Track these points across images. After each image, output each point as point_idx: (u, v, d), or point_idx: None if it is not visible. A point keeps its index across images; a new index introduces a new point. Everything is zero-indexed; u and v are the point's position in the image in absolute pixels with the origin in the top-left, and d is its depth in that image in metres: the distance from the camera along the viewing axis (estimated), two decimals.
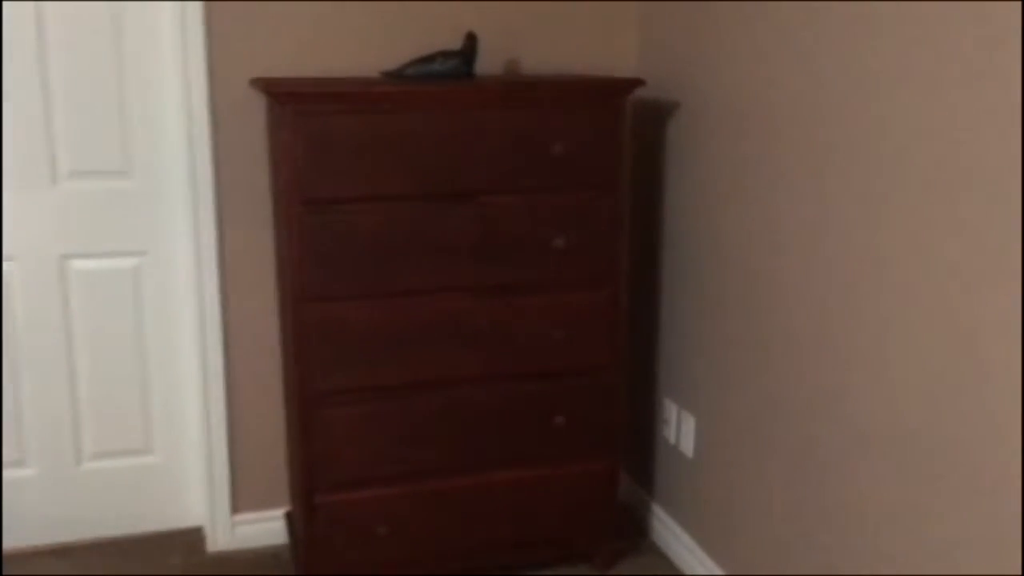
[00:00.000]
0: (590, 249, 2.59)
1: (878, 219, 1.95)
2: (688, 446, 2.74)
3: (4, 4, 2.53)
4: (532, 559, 2.76)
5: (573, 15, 2.93)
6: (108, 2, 2.61)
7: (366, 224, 2.40)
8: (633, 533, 3.01)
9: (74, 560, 2.80)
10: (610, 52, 2.97)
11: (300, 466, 2.48)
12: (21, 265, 2.71)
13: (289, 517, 2.87)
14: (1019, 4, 1.24)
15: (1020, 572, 1.44)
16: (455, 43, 2.81)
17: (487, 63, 2.85)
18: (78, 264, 2.75)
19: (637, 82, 2.54)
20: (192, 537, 2.94)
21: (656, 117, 2.85)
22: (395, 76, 2.59)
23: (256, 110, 2.68)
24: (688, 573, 2.77)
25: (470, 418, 2.57)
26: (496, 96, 2.43)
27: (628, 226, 3.03)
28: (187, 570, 2.77)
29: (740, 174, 2.44)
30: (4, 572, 2.72)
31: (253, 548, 2.90)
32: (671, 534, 2.86)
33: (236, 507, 2.88)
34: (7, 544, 2.83)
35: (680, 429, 2.78)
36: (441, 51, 2.61)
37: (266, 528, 2.90)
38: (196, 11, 2.56)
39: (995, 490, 1.69)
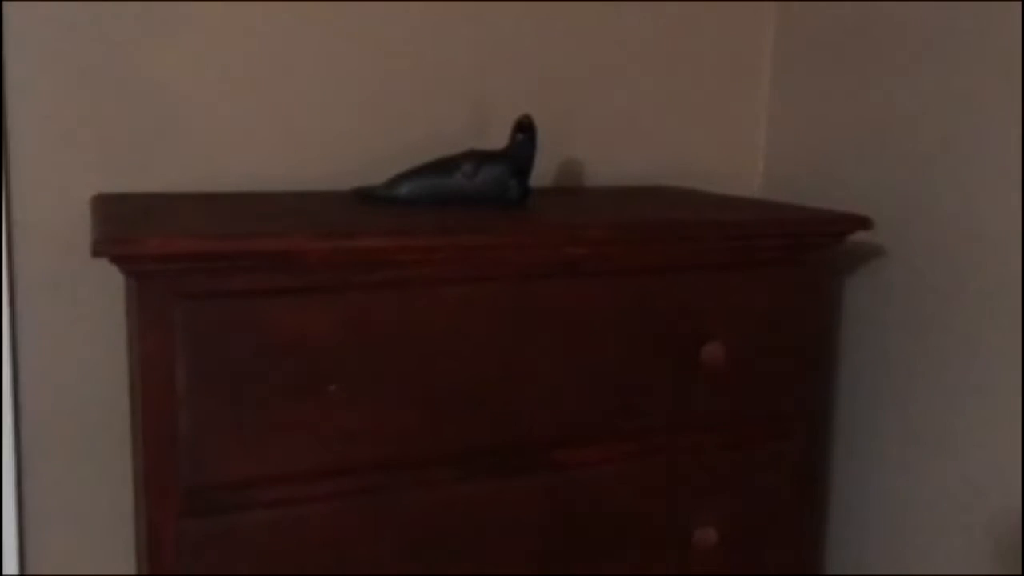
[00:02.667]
0: (761, 542, 1.32)
1: None
2: None
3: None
4: None
5: (667, 98, 1.70)
6: None
7: (324, 531, 1.11)
8: None
9: None
10: (717, 157, 1.75)
11: None
12: None
13: None
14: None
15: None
16: (489, 134, 1.56)
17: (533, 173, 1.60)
18: None
19: (861, 222, 1.29)
20: None
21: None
22: (379, 198, 1.33)
23: (103, 276, 1.38)
24: None
25: None
26: (591, 251, 1.17)
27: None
28: None
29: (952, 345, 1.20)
30: None
31: None
32: None
33: None
34: None
35: None
36: (469, 151, 1.36)
37: None
38: None
39: None
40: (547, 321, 1.16)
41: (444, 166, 1.34)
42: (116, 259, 0.98)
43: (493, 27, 1.56)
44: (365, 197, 1.34)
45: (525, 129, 1.34)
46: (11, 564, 1.37)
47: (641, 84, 1.67)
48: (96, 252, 0.96)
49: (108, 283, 1.34)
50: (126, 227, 1.04)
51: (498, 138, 1.54)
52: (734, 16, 1.72)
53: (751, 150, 1.77)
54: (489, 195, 1.34)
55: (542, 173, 1.61)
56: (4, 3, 1.28)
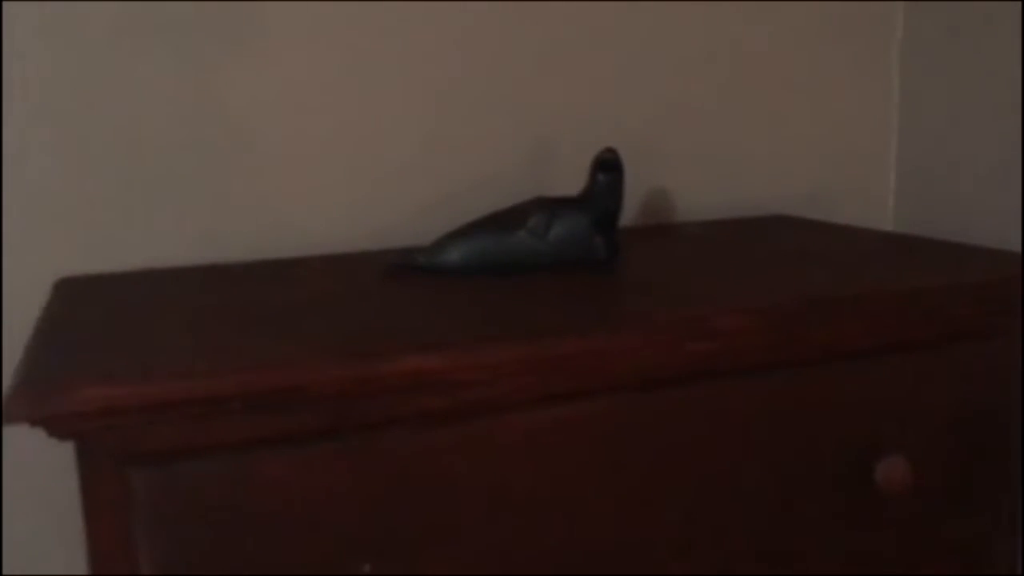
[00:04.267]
0: None
1: None
2: None
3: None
4: None
5: (771, 112, 1.35)
6: None
7: None
8: None
9: None
10: (837, 178, 1.40)
11: None
12: None
13: None
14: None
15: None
16: (552, 176, 1.23)
17: None
18: None
19: None
20: None
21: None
22: (421, 269, 1.00)
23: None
24: None
25: None
26: (722, 345, 0.83)
27: None
28: None
29: None
30: None
31: None
32: None
33: None
34: None
35: None
36: (537, 200, 1.02)
37: None
38: None
39: None
40: (667, 444, 0.82)
41: (505, 221, 1.01)
42: (39, 423, 0.65)
43: (558, 39, 1.22)
44: (403, 268, 1.01)
45: (610, 167, 1.01)
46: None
47: (735, 100, 1.33)
48: (8, 417, 0.63)
49: None
50: (62, 358, 0.72)
51: (565, 180, 1.21)
52: (857, 14, 1.36)
53: (878, 166, 1.42)
54: (567, 257, 1.00)
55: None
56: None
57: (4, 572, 1.11)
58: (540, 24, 1.21)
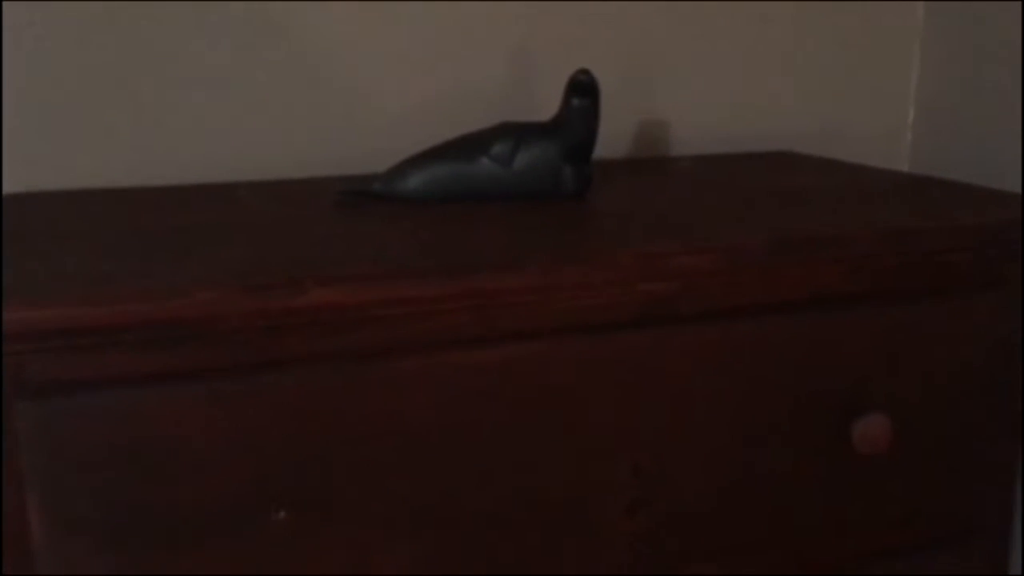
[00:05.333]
0: None
1: None
2: None
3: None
4: None
5: (774, 40, 1.25)
6: None
7: None
8: None
9: None
10: (848, 112, 1.30)
11: None
12: None
13: None
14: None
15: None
16: (532, 98, 1.14)
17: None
18: None
19: None
20: None
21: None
22: (376, 197, 0.93)
23: None
24: None
25: None
26: (683, 285, 0.76)
27: None
28: None
29: None
30: None
31: None
32: None
33: None
34: None
35: None
36: (502, 126, 0.95)
37: None
38: None
39: None
40: (611, 398, 0.76)
41: (468, 147, 0.94)
42: None
43: None
44: (356, 196, 0.94)
45: (584, 91, 0.93)
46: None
47: (747, 28, 1.23)
48: None
49: None
50: None
51: (545, 104, 1.13)
52: None
53: (897, 104, 1.31)
54: (532, 188, 0.93)
55: (605, 138, 1.19)
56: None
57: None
58: None
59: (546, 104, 1.12)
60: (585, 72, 0.93)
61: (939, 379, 0.84)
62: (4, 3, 0.97)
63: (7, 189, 0.99)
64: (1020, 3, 1.13)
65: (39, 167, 1.01)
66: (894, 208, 0.89)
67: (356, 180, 0.96)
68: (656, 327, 0.76)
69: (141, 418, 0.66)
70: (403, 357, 0.70)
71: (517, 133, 0.93)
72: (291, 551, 0.71)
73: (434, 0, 1.10)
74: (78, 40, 1.00)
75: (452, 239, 0.78)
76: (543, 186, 0.93)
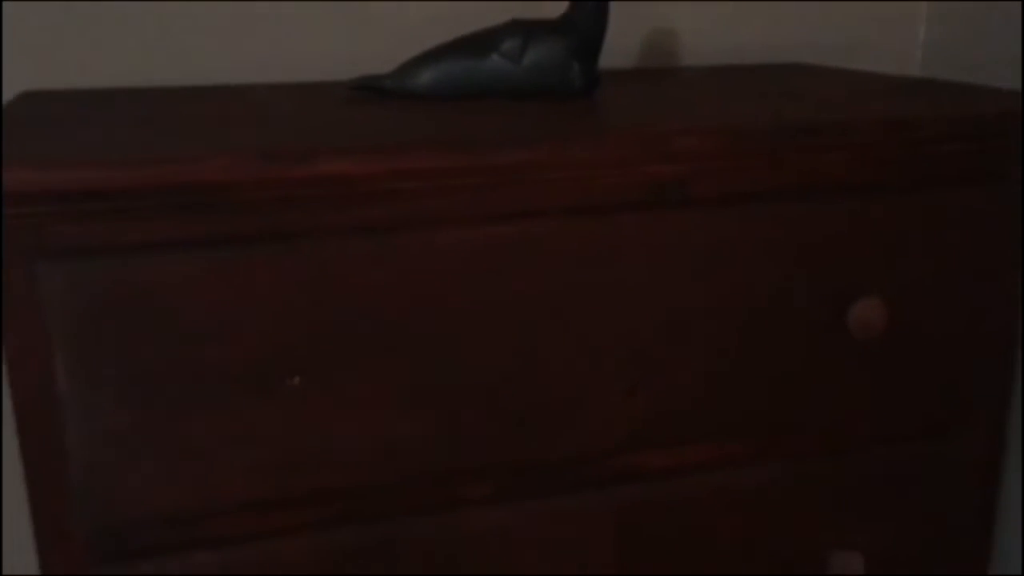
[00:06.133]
0: (923, 568, 0.95)
1: None
2: None
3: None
4: None
5: None
6: None
7: (293, 570, 0.77)
8: None
9: None
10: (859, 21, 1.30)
11: None
12: None
13: None
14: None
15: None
16: (542, 2, 1.15)
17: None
18: None
19: None
20: None
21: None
22: (387, 92, 0.95)
23: None
24: None
25: None
26: (689, 169, 0.77)
27: None
28: None
29: None
30: None
31: None
32: None
33: None
34: None
35: None
36: (513, 22, 0.96)
37: None
38: None
39: None
40: (619, 276, 0.78)
41: (478, 44, 0.95)
42: None
43: None
44: (367, 91, 0.96)
45: None
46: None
47: None
48: None
49: None
50: None
51: (554, 3, 1.13)
52: None
53: (908, 17, 1.32)
54: (541, 84, 0.94)
55: (616, 49, 1.20)
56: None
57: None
58: None
59: (555, 3, 1.13)
60: None
61: (936, 267, 0.86)
62: None
63: (17, 88, 1.01)
64: None
65: (53, 65, 1.02)
66: (898, 103, 0.90)
67: (362, 79, 0.97)
68: (662, 210, 0.78)
69: (159, 283, 0.69)
70: (412, 232, 0.73)
71: (527, 30, 0.94)
72: (302, 415, 0.74)
73: None
74: None
75: (462, 123, 0.80)
76: (552, 82, 0.94)
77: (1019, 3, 1.15)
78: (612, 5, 1.19)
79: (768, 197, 0.80)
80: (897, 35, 1.31)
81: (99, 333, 0.68)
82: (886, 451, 0.90)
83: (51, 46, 1.02)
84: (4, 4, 1.00)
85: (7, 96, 1.01)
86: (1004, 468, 1.07)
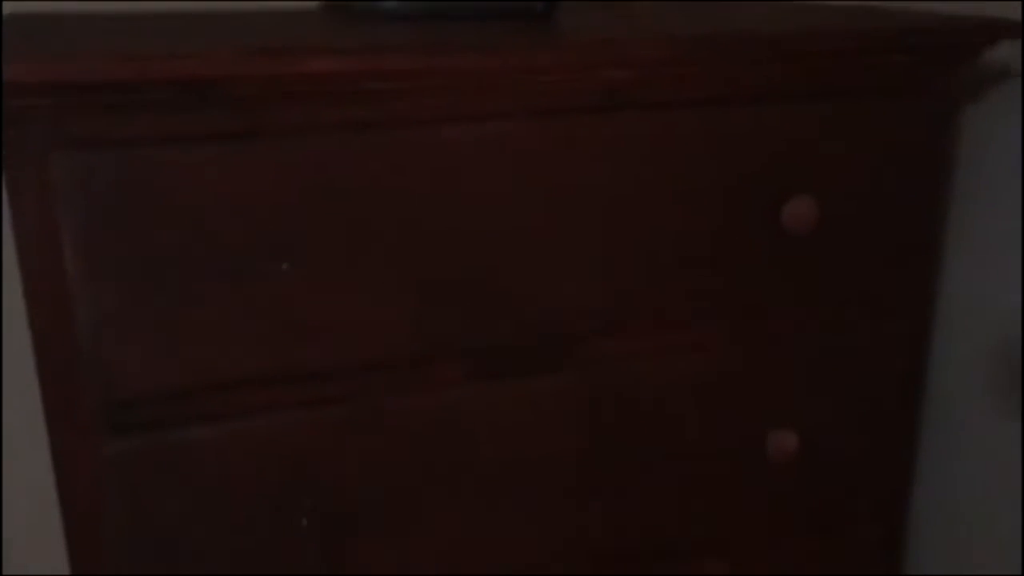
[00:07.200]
0: (853, 445, 1.05)
1: None
2: None
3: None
4: None
5: None
6: None
7: (287, 449, 0.85)
8: None
9: None
10: None
11: None
12: None
13: None
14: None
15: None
16: None
17: None
18: None
19: (1012, 29, 0.94)
20: None
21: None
22: (355, 14, 1.01)
23: None
24: None
25: None
26: (637, 74, 0.85)
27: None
28: None
29: None
30: None
31: None
32: None
33: None
34: None
35: None
36: None
37: None
38: None
39: None
40: (578, 172, 0.86)
41: None
42: None
43: None
44: (336, 12, 1.02)
45: None
46: None
47: None
48: None
49: None
50: None
51: None
52: None
53: None
54: (503, 7, 1.01)
55: None
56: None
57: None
58: None
59: None
60: None
61: (865, 171, 0.95)
62: None
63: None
64: None
65: None
66: (835, 20, 0.98)
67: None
68: (616, 112, 0.85)
69: (163, 175, 0.75)
70: (392, 130, 0.80)
71: None
72: (293, 298, 0.81)
73: None
74: None
75: (433, 35, 0.87)
76: (512, 9, 1.01)
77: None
78: None
79: (710, 103, 0.89)
80: None
81: (105, 220, 0.75)
82: (821, 338, 0.99)
83: None
84: None
85: None
86: (928, 351, 1.16)
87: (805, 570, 1.08)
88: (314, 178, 0.79)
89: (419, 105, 0.80)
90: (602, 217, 0.88)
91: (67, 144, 0.73)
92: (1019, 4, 1.12)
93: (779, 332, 0.98)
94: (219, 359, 0.80)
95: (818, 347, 1.00)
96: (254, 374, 0.82)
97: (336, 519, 0.88)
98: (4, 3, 1.06)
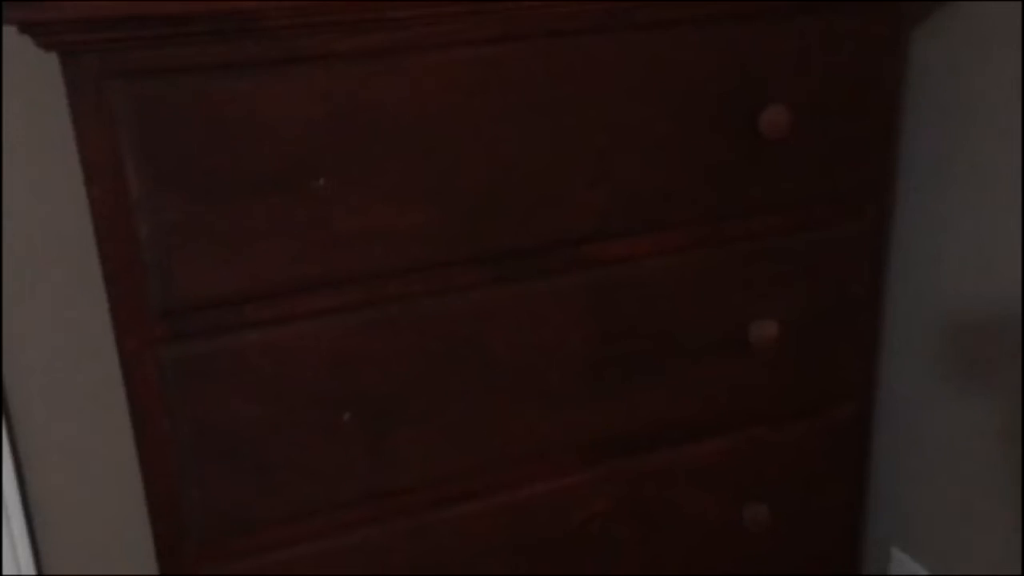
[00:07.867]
0: (820, 342, 1.16)
1: None
2: None
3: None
4: None
5: None
6: None
7: (332, 348, 0.95)
8: None
9: None
10: None
11: None
12: None
13: None
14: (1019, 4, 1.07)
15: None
16: None
17: None
18: None
19: None
20: None
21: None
22: None
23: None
24: None
25: None
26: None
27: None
28: None
29: None
30: None
31: None
32: None
33: None
34: None
35: None
36: None
37: None
38: None
39: None
40: (578, 89, 0.95)
41: None
42: (27, 28, 0.76)
43: None
44: None
45: None
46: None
47: None
48: (7, 19, 0.75)
49: None
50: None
51: None
52: None
53: None
54: None
55: None
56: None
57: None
58: None
59: None
60: None
61: (833, 79, 1.05)
62: None
63: None
64: None
65: None
66: None
67: None
68: (616, 32, 0.95)
69: (210, 100, 0.84)
70: (411, 54, 0.89)
71: None
72: (328, 211, 0.90)
73: None
74: None
75: None
76: None
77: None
78: None
79: (696, 22, 0.98)
80: None
81: (161, 142, 0.83)
82: (797, 236, 1.10)
83: None
84: None
85: None
86: (890, 243, 1.27)
87: (791, 451, 1.20)
88: (341, 100, 0.88)
89: (433, 31, 0.89)
90: (601, 131, 0.97)
91: (121, 74, 0.81)
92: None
93: (758, 230, 1.09)
94: (267, 268, 0.89)
95: (792, 242, 1.11)
96: (298, 281, 0.91)
97: (374, 412, 0.98)
98: None
